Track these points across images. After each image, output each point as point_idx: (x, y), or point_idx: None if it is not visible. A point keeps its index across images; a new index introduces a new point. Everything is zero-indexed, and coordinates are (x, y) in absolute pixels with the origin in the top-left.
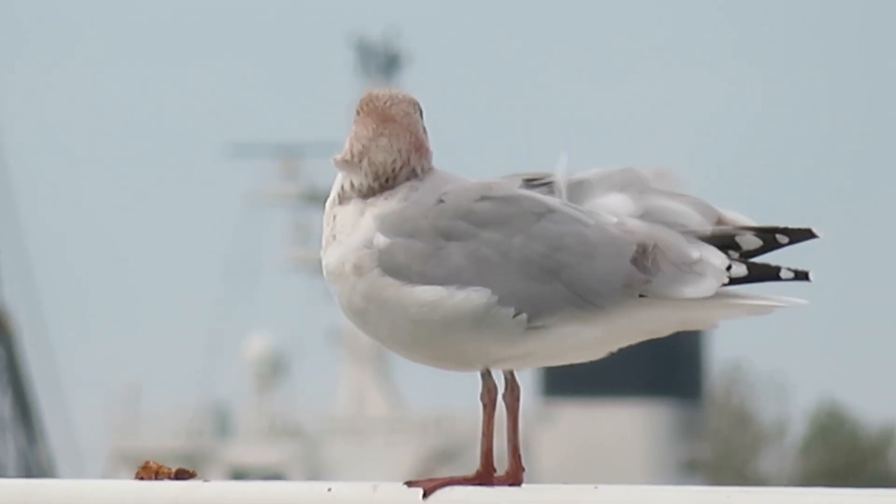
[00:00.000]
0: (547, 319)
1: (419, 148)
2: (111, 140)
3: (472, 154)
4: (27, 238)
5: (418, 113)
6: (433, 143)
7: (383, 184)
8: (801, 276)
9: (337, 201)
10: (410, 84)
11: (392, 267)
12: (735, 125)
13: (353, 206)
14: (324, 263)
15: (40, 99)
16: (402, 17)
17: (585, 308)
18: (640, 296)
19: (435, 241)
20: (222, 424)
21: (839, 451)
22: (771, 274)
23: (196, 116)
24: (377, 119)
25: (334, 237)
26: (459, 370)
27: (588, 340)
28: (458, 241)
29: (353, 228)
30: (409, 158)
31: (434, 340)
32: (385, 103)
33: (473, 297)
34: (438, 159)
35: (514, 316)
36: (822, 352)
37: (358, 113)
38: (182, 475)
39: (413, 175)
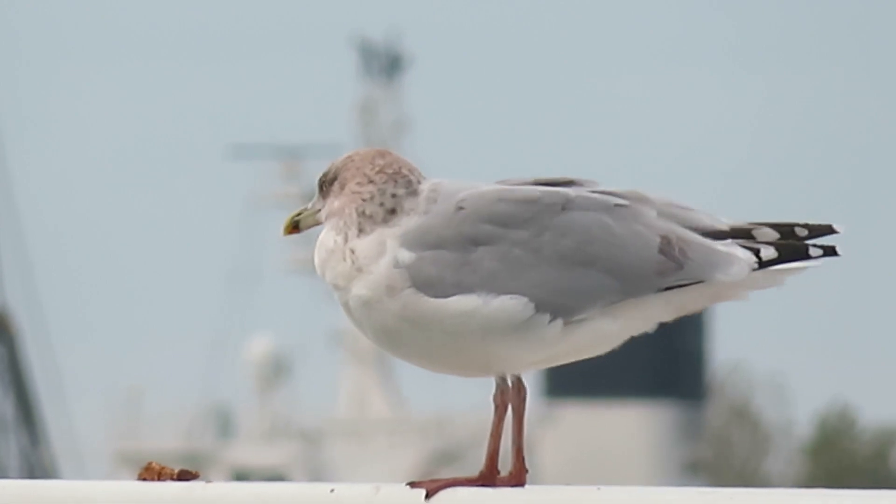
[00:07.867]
0: (588, 311)
1: (386, 178)
2: (113, 142)
3: (474, 155)
4: (29, 239)
5: (359, 155)
6: (434, 145)
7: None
8: (829, 251)
9: (342, 241)
10: (412, 85)
11: (424, 281)
12: (741, 126)
13: (372, 236)
14: (352, 296)
15: (43, 101)
16: (405, 18)
17: (625, 294)
18: (674, 284)
19: (463, 248)
20: (224, 426)
21: (842, 453)
22: (800, 253)
23: (198, 118)
24: (342, 190)
25: (360, 270)
26: (484, 376)
27: (621, 328)
28: (486, 246)
29: (377, 255)
30: (392, 190)
31: (469, 350)
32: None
33: (509, 303)
34: (441, 161)
35: (551, 321)
36: (825, 353)
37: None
38: (184, 476)
39: (411, 192)
